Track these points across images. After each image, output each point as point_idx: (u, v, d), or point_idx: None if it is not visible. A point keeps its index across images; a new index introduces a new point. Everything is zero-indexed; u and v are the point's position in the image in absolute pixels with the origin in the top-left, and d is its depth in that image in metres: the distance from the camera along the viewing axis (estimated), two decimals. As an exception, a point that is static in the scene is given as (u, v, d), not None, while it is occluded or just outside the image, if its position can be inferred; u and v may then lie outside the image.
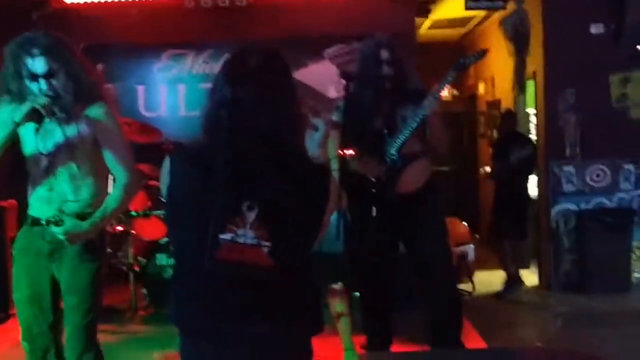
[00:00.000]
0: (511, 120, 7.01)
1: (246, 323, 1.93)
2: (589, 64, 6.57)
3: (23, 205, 3.27)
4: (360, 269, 4.41)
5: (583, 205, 6.70)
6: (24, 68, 2.98)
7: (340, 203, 3.92)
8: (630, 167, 6.72)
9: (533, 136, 7.46)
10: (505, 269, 6.64)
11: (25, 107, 2.95)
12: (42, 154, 3.06)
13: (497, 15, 7.75)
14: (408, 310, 5.06)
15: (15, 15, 6.38)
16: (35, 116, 2.97)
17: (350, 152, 4.33)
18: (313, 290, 2.05)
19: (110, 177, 3.20)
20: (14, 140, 3.09)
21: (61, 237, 2.94)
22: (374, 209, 4.17)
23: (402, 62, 4.26)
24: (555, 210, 6.74)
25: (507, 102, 8.20)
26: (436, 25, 9.23)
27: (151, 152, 5.25)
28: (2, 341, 5.10)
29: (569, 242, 6.71)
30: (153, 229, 5.93)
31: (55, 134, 3.04)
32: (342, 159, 4.07)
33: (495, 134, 8.52)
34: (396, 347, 4.48)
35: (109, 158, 3.10)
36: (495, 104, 8.92)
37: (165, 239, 5.81)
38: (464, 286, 6.40)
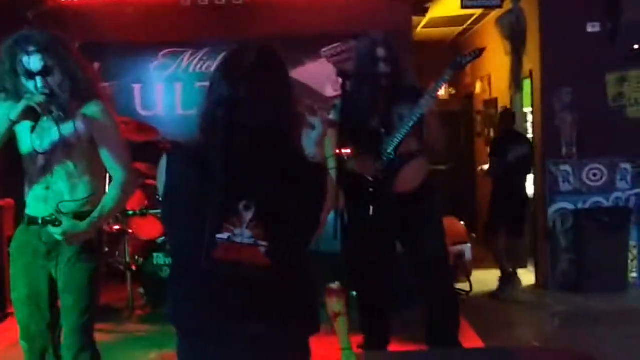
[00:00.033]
0: (509, 118, 7.01)
1: (243, 322, 1.93)
2: (586, 63, 6.57)
3: (20, 204, 3.25)
4: (357, 268, 4.41)
5: (580, 205, 6.70)
6: (19, 65, 2.96)
7: (338, 202, 3.93)
8: (627, 166, 6.73)
9: (530, 135, 7.46)
10: (500, 267, 6.63)
11: (21, 105, 2.92)
12: (38, 152, 3.04)
13: (494, 14, 7.74)
14: (406, 309, 5.05)
15: (11, 13, 6.35)
16: (31, 114, 2.94)
17: (347, 151, 4.33)
18: (310, 290, 2.04)
19: (107, 176, 3.19)
20: (10, 139, 3.07)
21: (59, 237, 2.93)
22: (371, 208, 4.17)
23: (398, 60, 4.24)
24: (552, 209, 6.74)
25: (503, 101, 8.21)
26: (433, 23, 9.22)
27: (148, 150, 5.26)
28: (1, 340, 5.09)
29: (565, 241, 6.71)
30: (150, 228, 5.92)
31: (51, 132, 3.02)
32: (339, 158, 4.07)
33: (492, 132, 8.53)
34: (394, 347, 4.47)
35: (106, 157, 3.08)
36: (492, 102, 8.92)
37: (162, 238, 5.81)
38: (462, 285, 6.39)
